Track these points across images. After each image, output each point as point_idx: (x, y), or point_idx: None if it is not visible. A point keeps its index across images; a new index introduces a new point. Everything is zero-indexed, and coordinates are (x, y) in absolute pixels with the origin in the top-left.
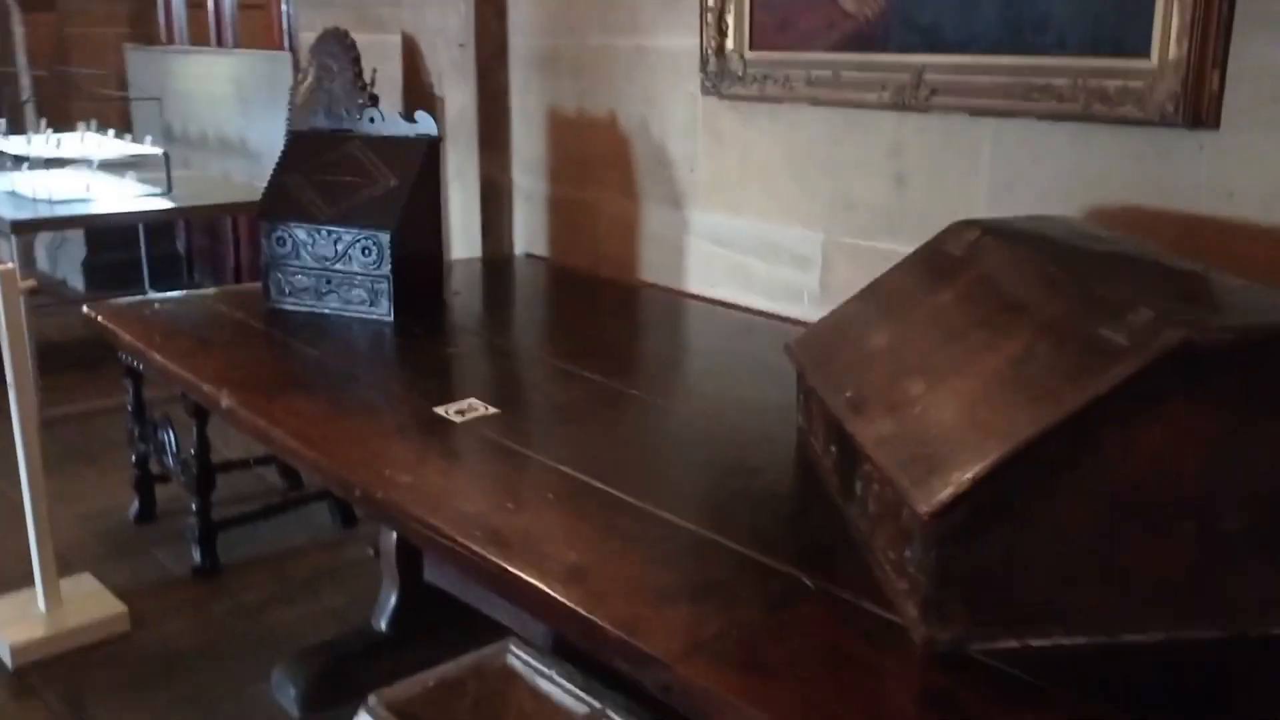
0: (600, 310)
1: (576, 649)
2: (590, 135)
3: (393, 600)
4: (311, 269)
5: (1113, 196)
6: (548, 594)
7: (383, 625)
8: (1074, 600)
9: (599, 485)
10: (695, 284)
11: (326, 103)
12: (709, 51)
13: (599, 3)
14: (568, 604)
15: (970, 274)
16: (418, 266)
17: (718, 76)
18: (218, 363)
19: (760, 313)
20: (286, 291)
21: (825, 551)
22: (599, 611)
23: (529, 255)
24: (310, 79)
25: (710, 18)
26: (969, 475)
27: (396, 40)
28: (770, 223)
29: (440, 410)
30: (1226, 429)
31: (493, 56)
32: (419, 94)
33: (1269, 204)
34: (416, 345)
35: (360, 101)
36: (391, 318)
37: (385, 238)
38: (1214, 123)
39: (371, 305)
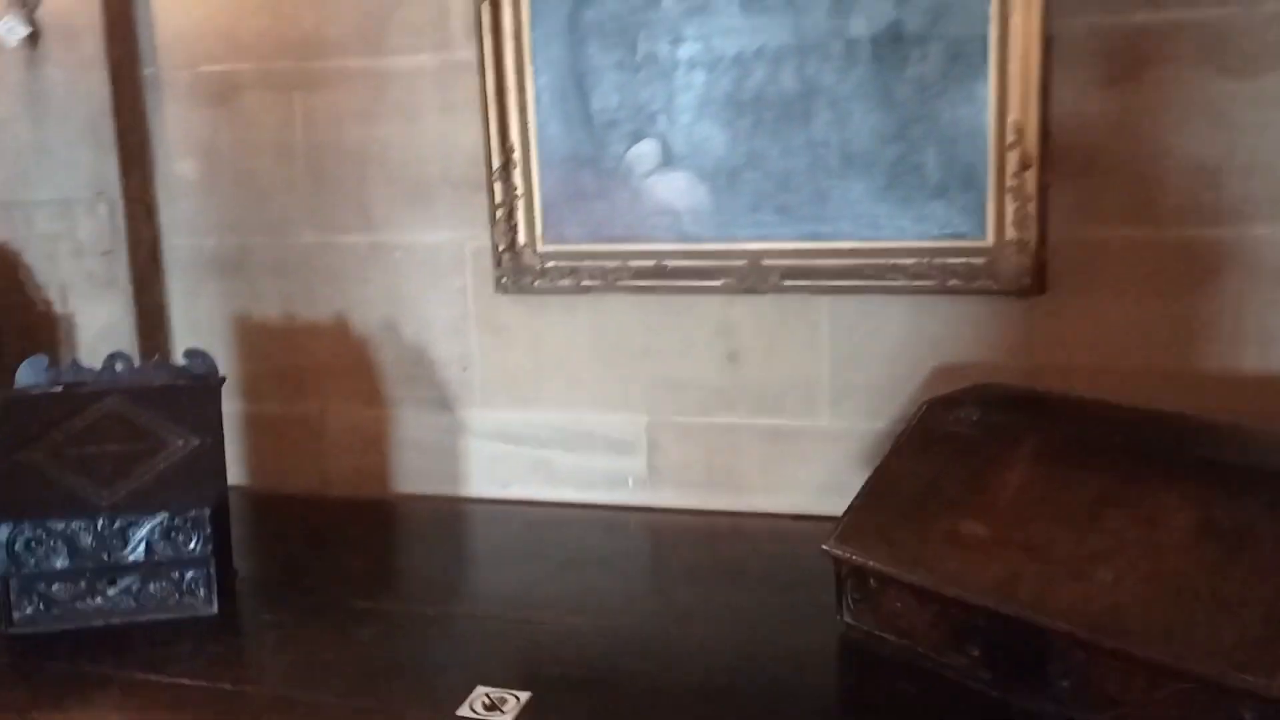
0: (381, 535)
1: None
2: (307, 343)
3: None
4: (81, 572)
5: (956, 357)
6: None
7: None
8: None
9: None
10: (480, 487)
11: None
12: (500, 248)
13: (312, 200)
14: None
15: (1028, 445)
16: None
17: (514, 272)
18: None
19: (572, 505)
20: (42, 609)
21: None
22: None
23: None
24: None
25: (500, 214)
26: None
27: None
28: (576, 412)
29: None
30: None
31: (146, 263)
32: (25, 314)
33: (1093, 348)
34: (286, 635)
35: None
36: (215, 609)
37: (205, 514)
38: (1042, 288)
39: (183, 599)
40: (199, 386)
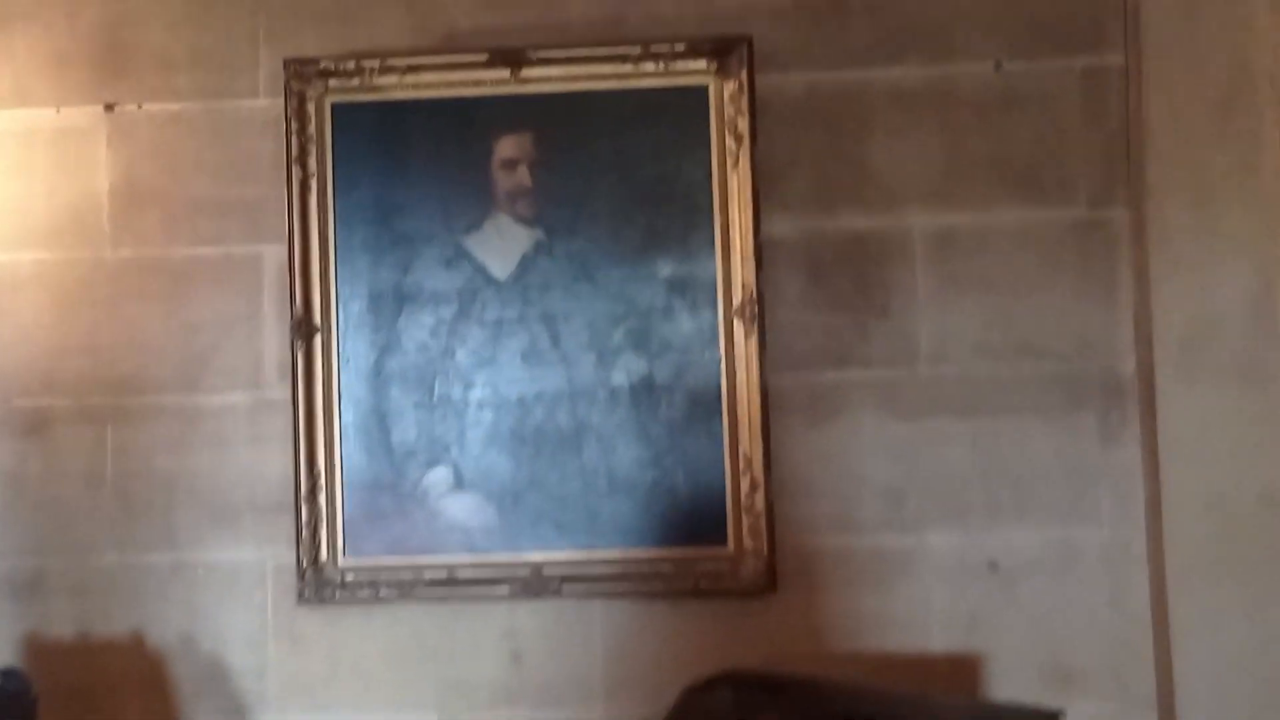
0: None
1: None
2: (101, 661)
3: None
4: None
5: (709, 648)
6: None
7: None
8: None
9: None
10: None
11: None
12: (304, 564)
13: (117, 523)
14: None
15: None
16: None
17: (316, 585)
18: None
19: None
20: None
21: None
22: None
23: None
24: None
25: (306, 532)
26: None
27: None
28: (370, 714)
29: None
30: None
31: None
32: None
33: (815, 637)
34: None
35: None
36: None
37: None
38: (774, 588)
39: None
40: (14, 704)
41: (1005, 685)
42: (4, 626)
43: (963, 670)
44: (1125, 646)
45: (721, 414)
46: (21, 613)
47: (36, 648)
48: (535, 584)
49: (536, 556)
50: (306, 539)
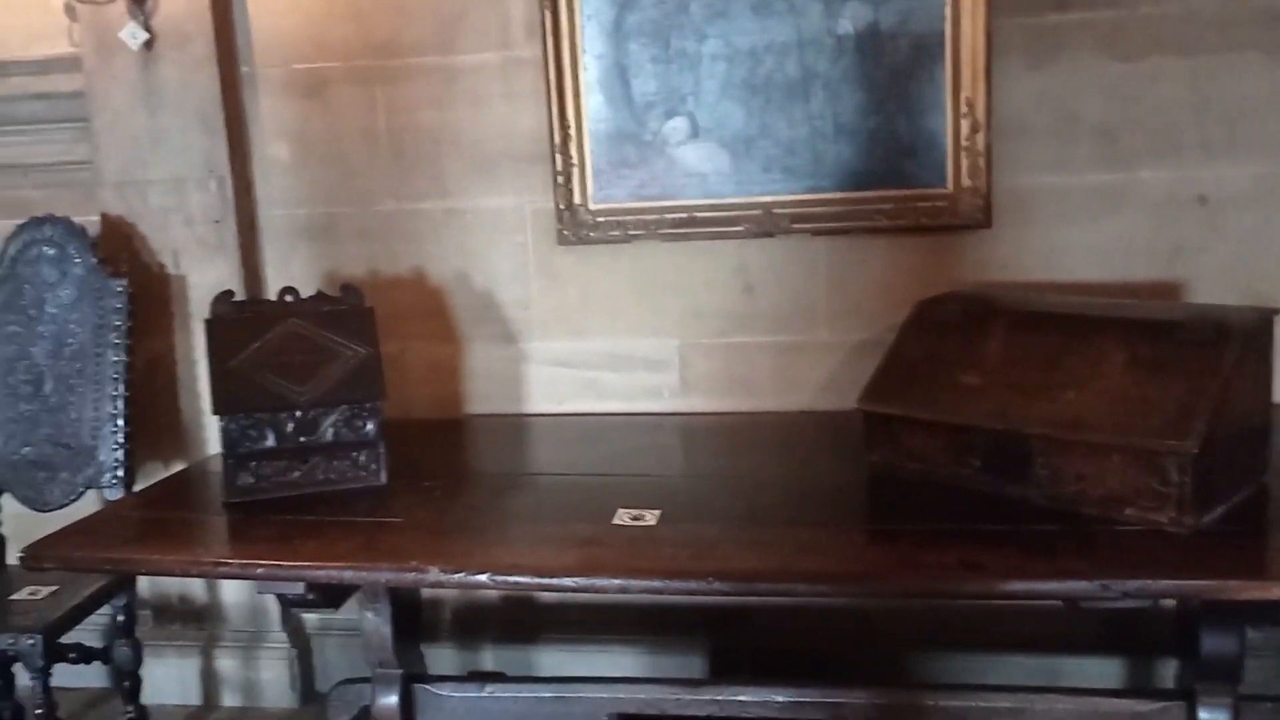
0: (472, 439)
1: None
2: (390, 294)
3: None
4: (286, 452)
5: (925, 279)
6: None
7: None
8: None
9: None
10: (539, 405)
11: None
12: (561, 208)
13: (392, 175)
14: None
15: (999, 322)
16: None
17: (572, 227)
18: (334, 545)
19: (618, 414)
20: (254, 481)
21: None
22: None
23: None
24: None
25: (561, 180)
26: (1201, 422)
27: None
28: (619, 339)
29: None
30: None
31: (247, 231)
32: (143, 275)
33: (1028, 268)
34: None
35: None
36: (385, 481)
37: (377, 406)
38: (989, 224)
39: (364, 473)
40: (358, 310)
41: None
42: (309, 265)
43: (1165, 295)
44: None
45: (944, 59)
46: (320, 254)
47: (334, 284)
48: (766, 223)
49: (767, 198)
50: (562, 186)
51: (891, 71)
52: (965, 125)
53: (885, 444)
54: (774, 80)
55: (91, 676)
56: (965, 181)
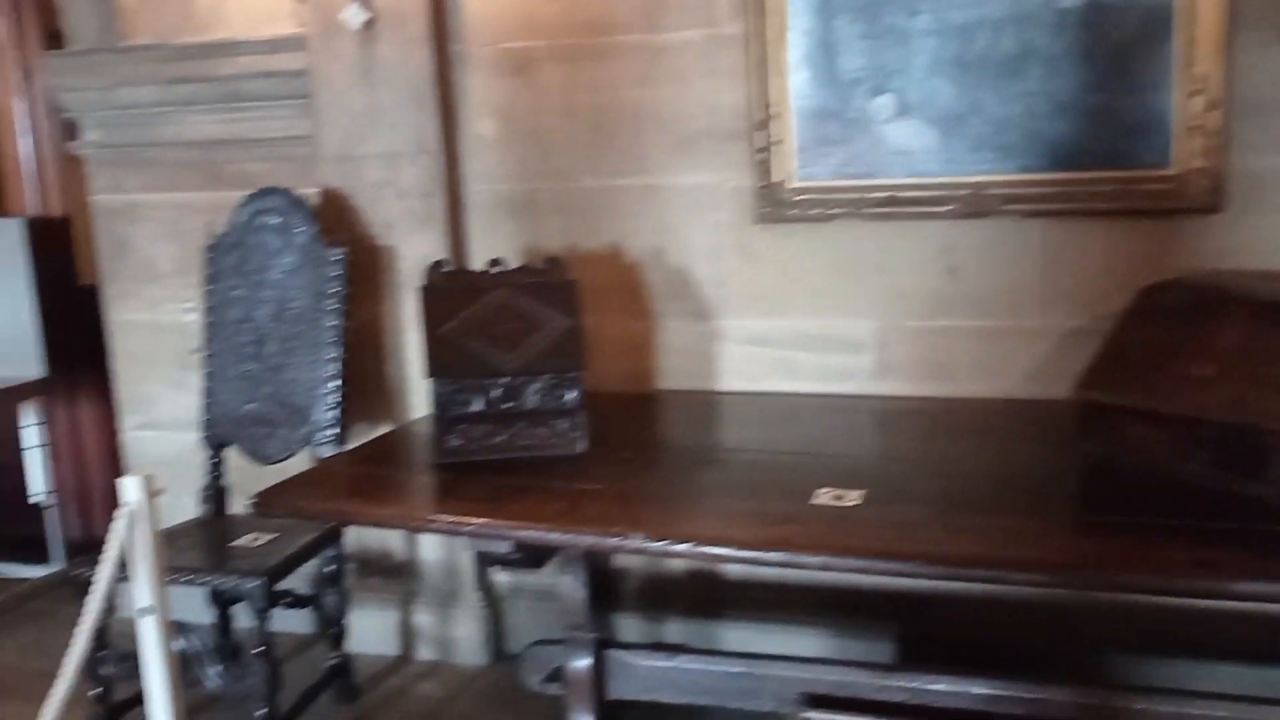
0: (666, 414)
1: None
2: (587, 269)
3: None
4: (491, 417)
5: (1144, 268)
6: None
7: None
8: None
9: None
10: (732, 383)
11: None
12: (761, 185)
13: (592, 152)
14: None
15: (1237, 311)
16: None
17: (771, 205)
18: (539, 508)
19: (812, 395)
20: (462, 444)
21: None
22: None
23: None
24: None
25: (760, 157)
26: None
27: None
28: (815, 319)
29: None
30: None
31: (454, 205)
32: (357, 246)
33: (1263, 257)
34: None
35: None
36: (583, 449)
37: (578, 376)
38: (1221, 209)
39: (564, 440)
40: (562, 282)
41: None
42: (510, 239)
43: None
44: None
45: (1172, 34)
46: (521, 228)
47: (534, 257)
48: (976, 203)
49: (976, 178)
50: (761, 163)
51: (1116, 46)
52: (1198, 102)
53: (1102, 434)
54: (988, 56)
55: (298, 623)
56: (1195, 162)
